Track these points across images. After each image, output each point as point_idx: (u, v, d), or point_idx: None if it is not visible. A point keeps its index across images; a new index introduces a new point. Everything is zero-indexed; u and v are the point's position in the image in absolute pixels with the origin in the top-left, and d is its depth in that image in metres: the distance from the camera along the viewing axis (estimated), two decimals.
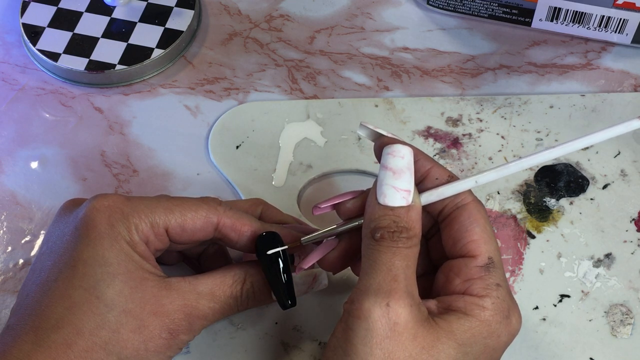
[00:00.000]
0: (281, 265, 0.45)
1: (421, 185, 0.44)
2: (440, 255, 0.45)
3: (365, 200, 0.43)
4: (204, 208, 0.46)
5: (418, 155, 0.44)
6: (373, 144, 0.45)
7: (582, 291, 0.51)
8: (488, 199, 0.55)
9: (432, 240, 0.46)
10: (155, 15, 0.63)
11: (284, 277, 0.45)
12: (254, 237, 0.46)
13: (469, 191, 0.44)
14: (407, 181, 0.42)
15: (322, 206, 0.45)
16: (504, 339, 0.41)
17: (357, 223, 0.45)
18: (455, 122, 0.59)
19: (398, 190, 0.41)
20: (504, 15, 0.63)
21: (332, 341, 0.41)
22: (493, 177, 0.43)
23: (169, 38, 0.62)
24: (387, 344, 0.39)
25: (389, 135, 0.44)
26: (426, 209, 0.44)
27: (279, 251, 0.45)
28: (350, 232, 0.45)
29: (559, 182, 0.56)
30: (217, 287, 0.45)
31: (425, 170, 0.44)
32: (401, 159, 0.42)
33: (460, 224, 0.43)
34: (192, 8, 0.63)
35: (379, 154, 0.44)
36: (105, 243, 0.43)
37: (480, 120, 0.59)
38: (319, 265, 0.46)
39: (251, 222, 0.46)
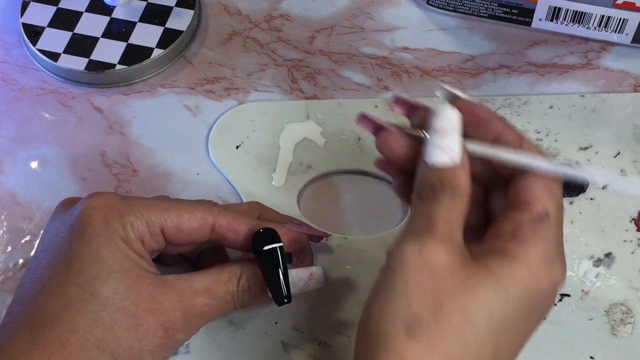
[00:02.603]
0: (279, 260, 0.45)
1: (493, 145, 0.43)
2: (499, 208, 0.44)
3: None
4: (200, 209, 0.46)
5: (492, 118, 0.43)
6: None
7: (582, 290, 0.51)
8: None
9: (492, 193, 0.45)
10: (155, 15, 0.63)
11: (280, 272, 0.45)
12: (251, 236, 0.46)
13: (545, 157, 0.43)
14: (452, 141, 0.42)
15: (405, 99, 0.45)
16: (545, 285, 0.40)
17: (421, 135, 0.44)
18: None
19: (443, 151, 0.41)
20: (503, 15, 0.63)
21: (374, 286, 0.40)
22: (553, 169, 0.42)
23: (168, 38, 0.62)
24: (423, 279, 0.38)
25: (466, 97, 0.44)
26: (498, 167, 0.43)
27: (275, 247, 0.45)
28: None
29: None
30: (213, 283, 0.45)
31: (496, 132, 0.43)
32: (446, 120, 0.42)
33: (526, 178, 0.42)
34: (192, 8, 0.63)
35: None
36: (101, 240, 0.43)
37: None
38: (384, 153, 0.45)
39: (247, 221, 0.46)
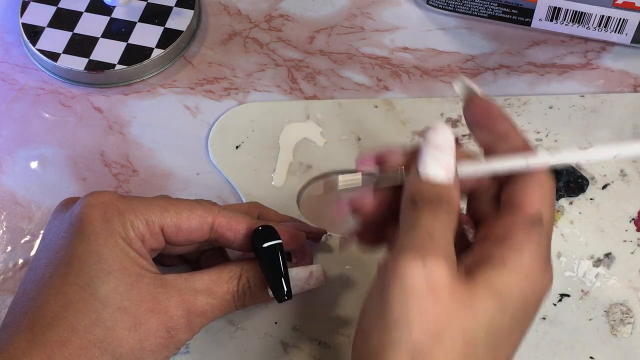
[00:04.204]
0: (278, 257, 0.45)
1: (495, 145, 0.43)
2: (480, 215, 0.44)
3: (410, 158, 0.43)
4: (199, 208, 0.46)
5: (502, 117, 0.43)
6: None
7: (582, 290, 0.52)
8: None
9: (473, 198, 0.45)
10: (155, 15, 0.63)
11: (281, 269, 0.45)
12: (250, 234, 0.46)
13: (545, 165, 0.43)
14: (449, 158, 0.42)
15: (369, 158, 0.44)
16: (539, 291, 0.40)
17: (398, 177, 0.43)
18: (454, 122, 0.59)
19: (440, 167, 0.41)
20: (503, 15, 0.63)
21: (366, 303, 0.39)
22: (546, 160, 0.42)
23: (168, 38, 0.62)
24: (424, 302, 0.37)
25: (483, 94, 0.44)
26: None
27: (275, 244, 0.45)
28: (387, 187, 0.44)
29: (559, 182, 0.56)
30: (213, 283, 0.45)
31: (504, 132, 0.43)
32: (443, 137, 0.42)
33: (522, 182, 0.42)
34: (191, 8, 0.63)
35: (466, 112, 0.44)
36: (100, 239, 0.43)
37: None
38: (354, 211, 0.44)
39: (246, 220, 0.46)
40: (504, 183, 0.43)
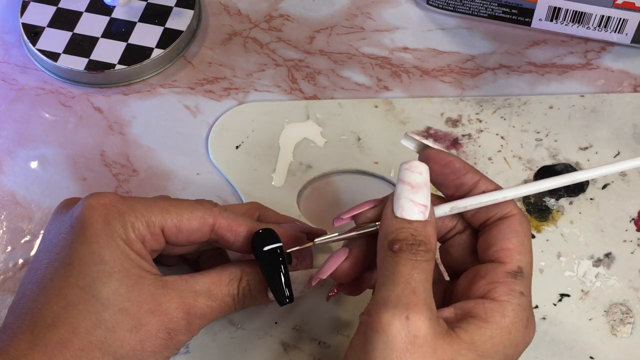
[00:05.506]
0: (279, 261, 0.45)
1: (467, 196, 0.44)
2: (455, 260, 0.45)
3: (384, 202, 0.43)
4: (200, 209, 0.46)
5: (466, 168, 0.44)
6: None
7: (582, 290, 0.52)
8: None
9: (447, 244, 0.46)
10: (155, 15, 0.63)
11: (281, 272, 0.45)
12: (250, 237, 0.46)
13: (515, 205, 0.43)
14: (424, 196, 0.42)
15: (344, 217, 0.45)
16: (520, 348, 0.41)
17: (373, 228, 0.44)
18: (454, 122, 0.59)
19: (416, 205, 0.41)
20: (503, 15, 0.63)
21: (349, 355, 0.40)
22: (519, 193, 0.43)
23: (168, 38, 0.62)
24: (407, 358, 0.38)
25: (435, 146, 0.44)
26: (469, 218, 0.44)
27: (275, 247, 0.45)
28: (361, 239, 0.45)
29: None
30: (214, 285, 0.45)
31: (472, 183, 0.43)
32: (419, 175, 0.42)
33: (498, 231, 0.42)
34: (192, 8, 0.63)
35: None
36: (101, 241, 0.43)
37: (480, 121, 0.59)
38: (332, 277, 0.45)
39: (247, 222, 0.46)
40: (478, 229, 0.44)
